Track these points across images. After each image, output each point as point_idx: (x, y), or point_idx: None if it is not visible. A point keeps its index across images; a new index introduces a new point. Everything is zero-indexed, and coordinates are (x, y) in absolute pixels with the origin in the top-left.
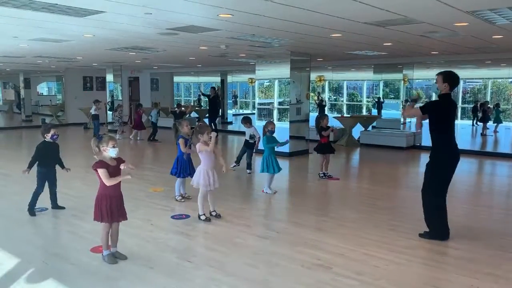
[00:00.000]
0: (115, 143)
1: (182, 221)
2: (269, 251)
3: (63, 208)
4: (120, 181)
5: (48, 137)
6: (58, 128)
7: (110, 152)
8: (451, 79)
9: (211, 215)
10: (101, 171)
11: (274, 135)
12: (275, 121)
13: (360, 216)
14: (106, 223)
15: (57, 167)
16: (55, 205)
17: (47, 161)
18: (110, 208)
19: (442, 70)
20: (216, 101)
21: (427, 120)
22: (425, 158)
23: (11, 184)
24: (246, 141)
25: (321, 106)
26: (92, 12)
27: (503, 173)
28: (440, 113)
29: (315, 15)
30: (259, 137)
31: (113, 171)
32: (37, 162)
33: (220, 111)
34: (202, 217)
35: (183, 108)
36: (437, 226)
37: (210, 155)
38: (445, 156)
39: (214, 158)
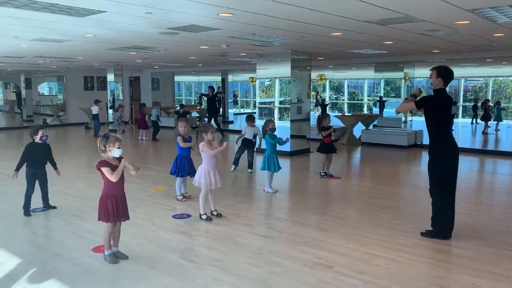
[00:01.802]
0: (120, 144)
1: (183, 221)
2: (271, 250)
3: (54, 207)
4: (123, 182)
5: (37, 139)
6: (46, 129)
7: (115, 152)
8: (444, 74)
9: (212, 214)
10: (105, 169)
11: (275, 133)
12: (276, 120)
13: (361, 215)
14: (110, 223)
15: (49, 168)
16: (47, 205)
17: (35, 162)
18: (116, 207)
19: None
20: (214, 100)
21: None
22: (426, 156)
23: (12, 184)
24: (246, 140)
25: (323, 105)
26: (92, 12)
27: (505, 172)
28: (435, 108)
29: (316, 14)
30: (261, 137)
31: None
32: (25, 163)
33: (220, 110)
34: (203, 217)
35: (185, 108)
36: (442, 225)
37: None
38: (443, 152)
39: (216, 158)
